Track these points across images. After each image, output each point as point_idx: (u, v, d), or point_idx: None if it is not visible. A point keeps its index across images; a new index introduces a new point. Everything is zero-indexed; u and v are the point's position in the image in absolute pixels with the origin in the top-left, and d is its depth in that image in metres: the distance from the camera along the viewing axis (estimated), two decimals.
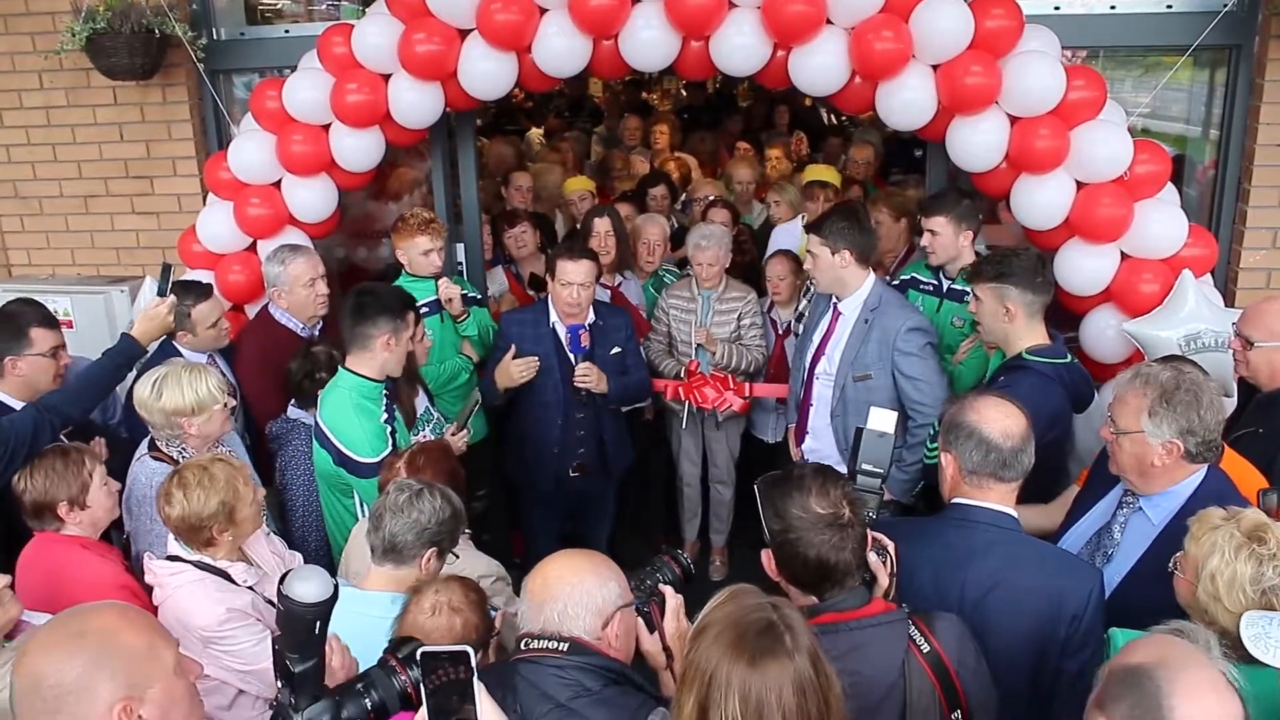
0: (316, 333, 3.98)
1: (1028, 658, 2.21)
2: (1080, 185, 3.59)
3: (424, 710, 1.56)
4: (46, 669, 1.52)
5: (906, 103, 3.58)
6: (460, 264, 4.64)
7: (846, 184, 6.01)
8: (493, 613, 2.38)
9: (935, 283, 4.07)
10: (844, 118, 8.74)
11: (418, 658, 1.58)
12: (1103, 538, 2.59)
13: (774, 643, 1.57)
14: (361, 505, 3.29)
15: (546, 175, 6.11)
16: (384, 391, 3.33)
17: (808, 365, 3.85)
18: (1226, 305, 3.73)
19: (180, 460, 3.03)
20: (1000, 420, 2.32)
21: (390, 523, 2.43)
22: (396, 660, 1.73)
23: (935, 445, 2.63)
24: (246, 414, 3.87)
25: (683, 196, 6.32)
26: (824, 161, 6.89)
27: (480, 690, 1.55)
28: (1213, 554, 2.00)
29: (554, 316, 4.00)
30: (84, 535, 2.91)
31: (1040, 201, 3.62)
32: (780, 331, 4.75)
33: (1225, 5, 3.75)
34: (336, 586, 1.73)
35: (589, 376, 3.96)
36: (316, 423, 3.34)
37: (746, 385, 4.52)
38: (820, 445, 3.82)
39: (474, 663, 1.54)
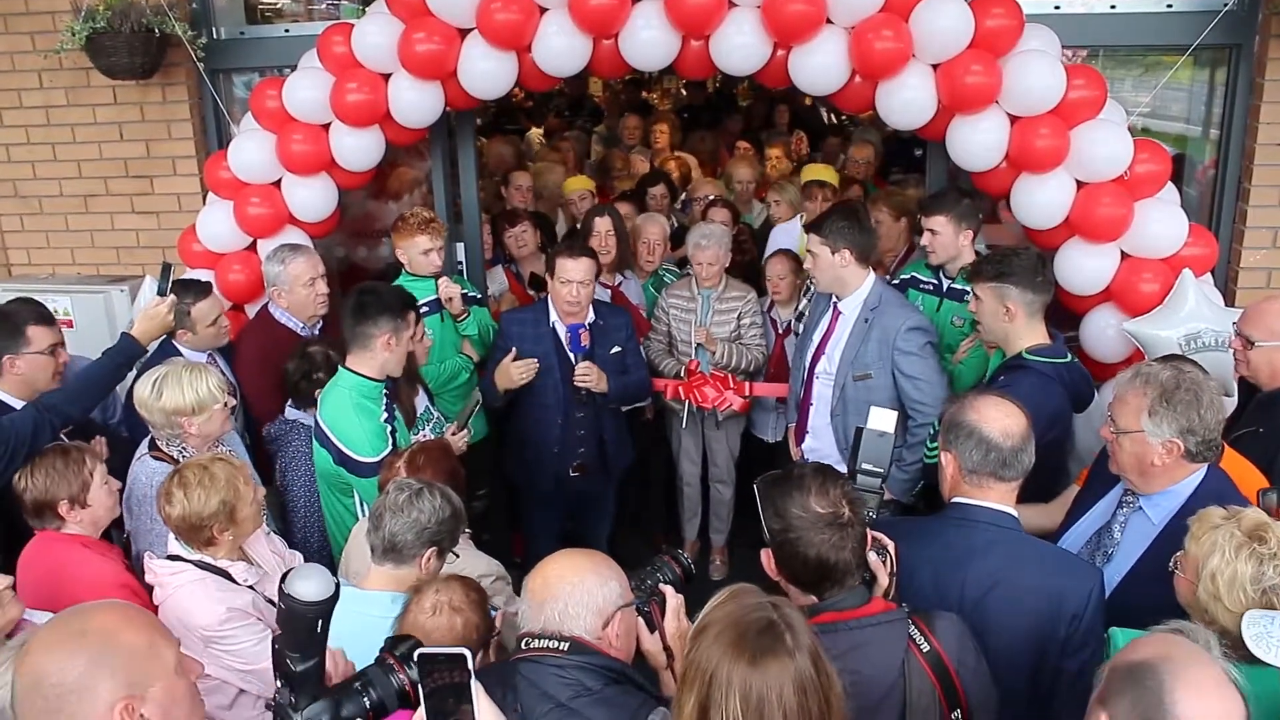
0: (316, 332, 3.98)
1: (1028, 657, 2.21)
2: (1080, 185, 3.59)
3: (422, 711, 1.56)
4: (48, 668, 1.52)
5: (906, 102, 3.58)
6: (460, 263, 4.64)
7: (847, 183, 6.01)
8: (493, 612, 2.38)
9: (935, 282, 4.07)
10: (844, 117, 8.74)
11: (415, 659, 1.58)
12: (1103, 537, 2.59)
13: (774, 642, 1.57)
14: (362, 505, 3.30)
15: (547, 175, 6.10)
16: (384, 391, 3.34)
17: (808, 365, 3.85)
18: (1227, 305, 3.73)
19: (180, 460, 3.03)
20: (1000, 420, 2.32)
21: (390, 522, 2.43)
22: (394, 658, 1.73)
23: (935, 445, 2.63)
24: (246, 413, 3.87)
25: (683, 196, 6.31)
26: (823, 161, 6.89)
27: (478, 691, 1.55)
28: (1213, 553, 2.00)
29: (554, 316, 4.00)
30: (85, 534, 2.91)
31: (1040, 201, 3.62)
32: (780, 331, 4.75)
33: (1225, 5, 3.75)
34: (338, 585, 1.73)
35: (589, 376, 3.96)
36: (317, 422, 3.34)
37: (746, 384, 4.52)
38: (820, 445, 3.83)
39: (471, 665, 1.54)
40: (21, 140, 4.69)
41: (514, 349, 3.97)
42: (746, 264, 5.38)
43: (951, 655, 1.97)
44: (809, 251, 3.71)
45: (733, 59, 3.64)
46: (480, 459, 4.07)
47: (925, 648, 1.96)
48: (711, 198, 5.67)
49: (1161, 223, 3.61)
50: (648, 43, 3.64)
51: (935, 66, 3.55)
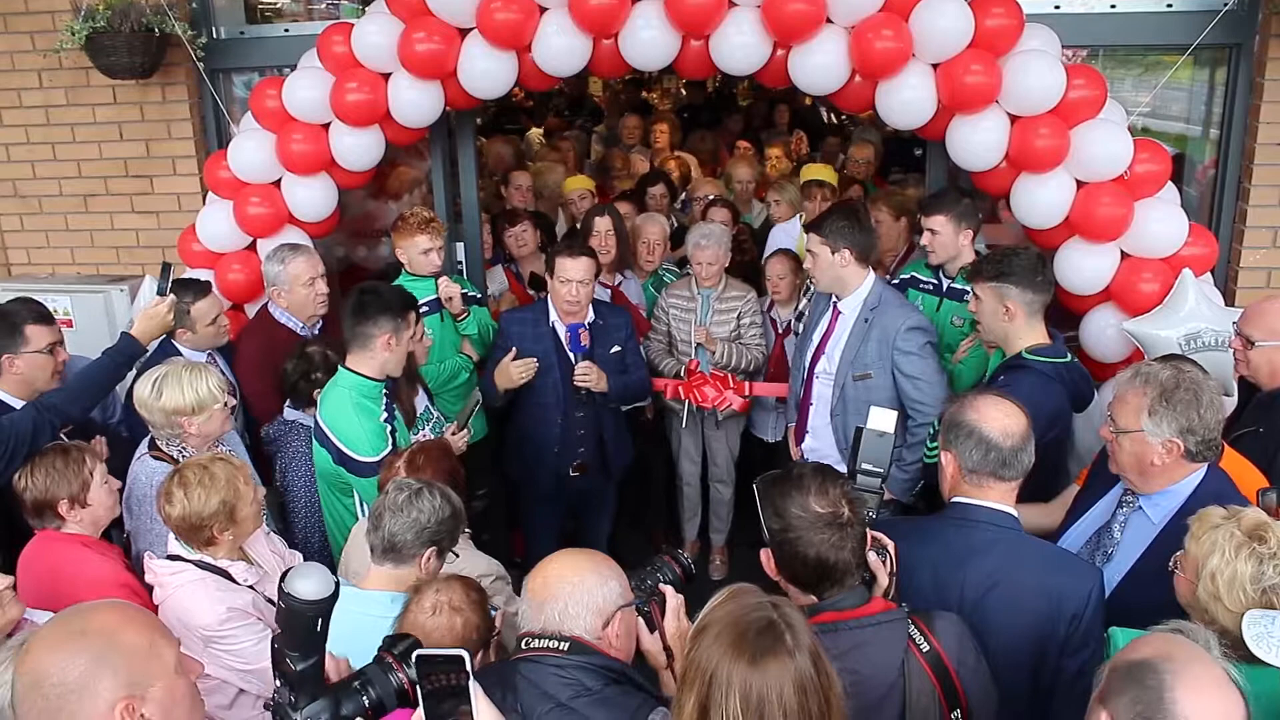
0: (316, 332, 3.98)
1: (1028, 657, 2.21)
2: (1080, 184, 3.59)
3: (420, 711, 1.56)
4: (48, 667, 1.52)
5: (906, 102, 3.58)
6: (460, 263, 4.64)
7: (847, 183, 6.01)
8: (492, 612, 2.38)
9: (935, 282, 4.07)
10: (844, 117, 8.75)
11: (412, 660, 1.58)
12: (1103, 537, 2.59)
13: (775, 642, 1.57)
14: (361, 504, 3.30)
15: (547, 174, 6.10)
16: (384, 391, 3.34)
17: (807, 364, 3.85)
18: (1226, 304, 3.73)
19: (180, 459, 3.03)
20: (1000, 419, 2.32)
21: (390, 522, 2.43)
22: (392, 657, 1.73)
23: (935, 444, 2.63)
24: (246, 413, 3.87)
25: (682, 196, 6.32)
26: (823, 160, 6.89)
27: (477, 692, 1.55)
28: (1213, 553, 2.00)
29: (554, 315, 4.00)
30: (85, 534, 2.91)
31: (1040, 200, 3.62)
32: (780, 330, 4.75)
33: (1225, 4, 3.75)
34: (337, 584, 1.73)
35: (589, 375, 3.96)
36: (316, 422, 3.34)
37: (746, 384, 4.52)
38: (820, 444, 3.82)
39: (469, 666, 1.53)
40: (21, 140, 4.69)
41: (514, 348, 3.97)
42: (746, 264, 5.38)
43: (951, 655, 1.97)
44: (809, 251, 3.71)
45: (733, 59, 3.64)
46: (480, 459, 4.07)
47: (925, 647, 1.96)
48: (711, 197, 5.67)
49: (1161, 222, 3.61)
50: (648, 42, 3.64)
51: (935, 66, 3.55)
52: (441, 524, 2.46)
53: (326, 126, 4.00)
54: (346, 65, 3.87)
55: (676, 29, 3.60)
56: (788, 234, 5.33)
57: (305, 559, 3.17)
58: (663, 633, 2.03)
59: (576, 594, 1.90)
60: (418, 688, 1.57)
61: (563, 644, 1.87)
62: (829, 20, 3.52)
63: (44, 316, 3.36)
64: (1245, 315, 3.11)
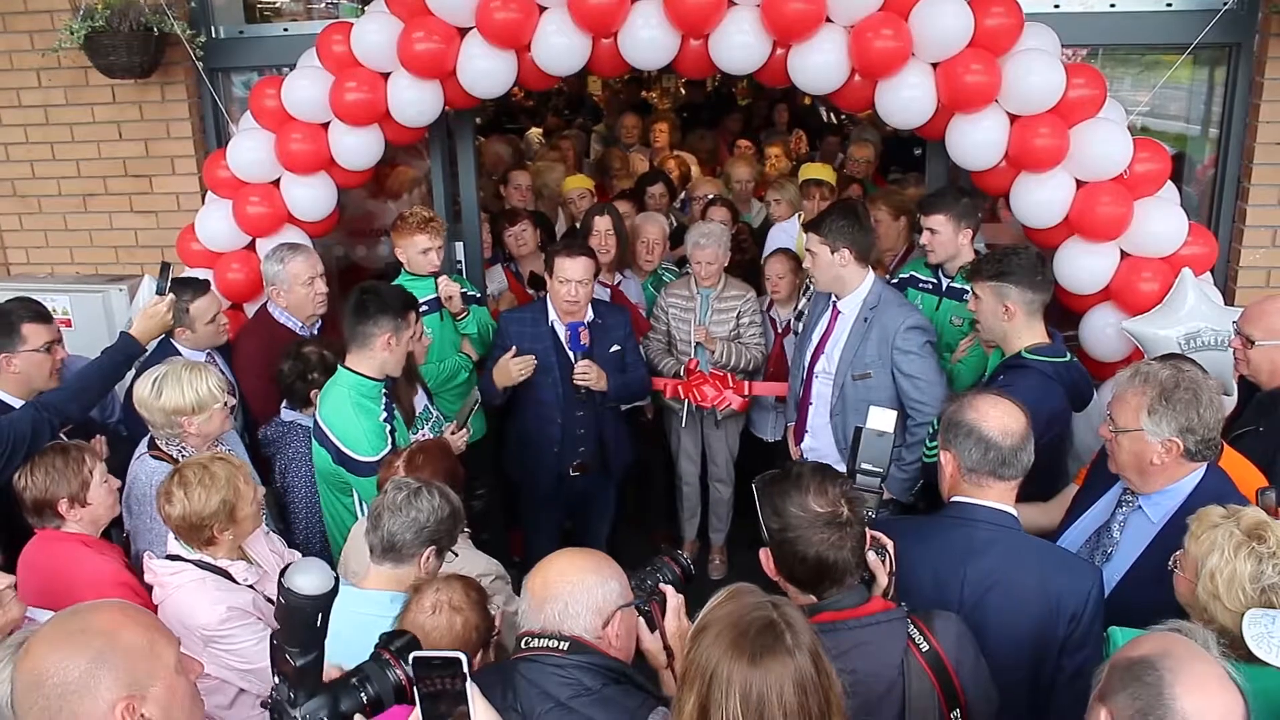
0: (315, 332, 3.98)
1: (1027, 656, 2.21)
2: (1080, 183, 3.59)
3: (418, 712, 1.55)
4: (48, 667, 1.52)
5: (906, 101, 3.58)
6: (459, 262, 4.64)
7: (846, 182, 6.01)
8: (492, 611, 2.38)
9: (934, 281, 4.07)
10: (843, 116, 8.74)
11: (410, 662, 1.58)
12: (1102, 536, 2.59)
13: (775, 641, 1.57)
14: (361, 504, 3.29)
15: (547, 174, 6.10)
16: (383, 390, 3.33)
17: (807, 364, 3.85)
18: (1226, 304, 3.73)
19: (180, 459, 3.03)
20: (999, 418, 2.32)
21: (389, 521, 2.43)
22: (390, 653, 1.72)
23: (934, 444, 2.63)
24: (245, 413, 3.87)
25: (682, 195, 6.31)
26: (821, 160, 6.89)
27: (474, 693, 1.55)
28: (1212, 552, 2.00)
29: (553, 315, 4.00)
30: (85, 533, 2.91)
31: (1040, 200, 3.62)
32: (779, 330, 4.75)
33: (1225, 3, 3.75)
34: (337, 579, 1.73)
35: (589, 374, 3.95)
36: (316, 421, 3.34)
37: (745, 384, 4.52)
38: (819, 444, 3.83)
39: (466, 668, 1.53)
40: (20, 139, 4.69)
41: (514, 347, 3.96)
42: (746, 263, 5.38)
43: (950, 655, 1.97)
44: (808, 250, 3.71)
45: (732, 58, 3.63)
46: (479, 458, 4.07)
47: (924, 647, 1.96)
48: (711, 197, 5.66)
49: (1161, 222, 3.61)
50: (647, 42, 3.64)
51: (935, 65, 3.55)
52: (440, 523, 2.46)
53: (326, 126, 4.00)
54: (346, 64, 3.87)
55: (676, 28, 3.60)
56: (787, 233, 5.33)
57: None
58: (663, 632, 2.03)
59: (576, 593, 1.90)
60: (415, 689, 1.57)
61: (562, 644, 1.87)
62: (828, 19, 3.52)
63: (41, 315, 3.35)
64: (1245, 314, 3.11)
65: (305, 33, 4.33)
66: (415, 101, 3.85)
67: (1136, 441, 2.43)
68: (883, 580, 2.12)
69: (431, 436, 3.42)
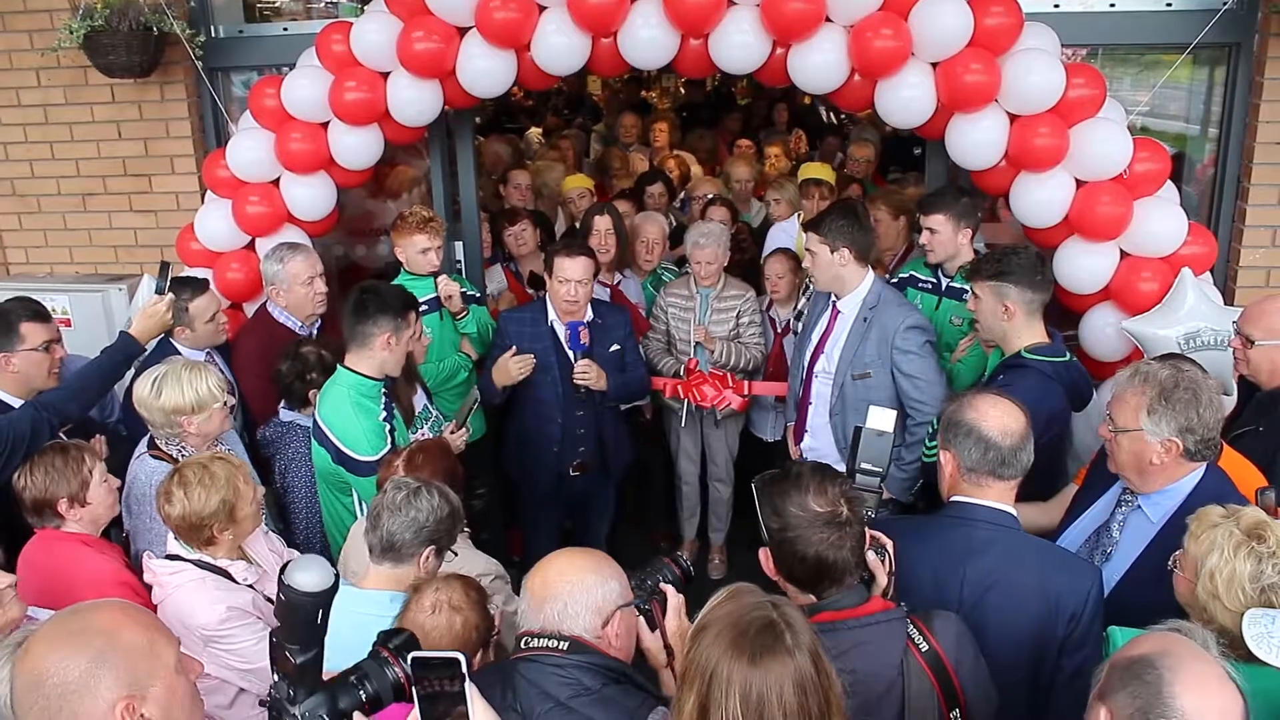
0: (315, 331, 3.98)
1: (1027, 656, 2.21)
2: (1080, 183, 3.59)
3: (416, 713, 1.55)
4: (48, 667, 1.52)
5: (906, 101, 3.58)
6: (459, 262, 4.64)
7: (845, 182, 6.01)
8: (491, 611, 2.38)
9: (934, 280, 4.07)
10: (843, 115, 8.74)
11: (408, 663, 1.58)
12: (1101, 536, 2.59)
13: (774, 641, 1.57)
14: (360, 504, 3.29)
15: (546, 173, 6.10)
16: (383, 390, 3.33)
17: (806, 363, 3.85)
18: (1226, 303, 3.73)
19: (179, 459, 3.03)
20: (999, 418, 2.32)
21: (388, 521, 2.42)
22: (388, 651, 1.72)
23: (934, 443, 2.63)
24: (244, 413, 3.87)
25: (681, 194, 6.31)
26: (821, 159, 6.89)
27: (473, 693, 1.55)
28: (1212, 552, 2.00)
29: (552, 314, 4.00)
30: (85, 532, 2.91)
31: (1039, 199, 3.62)
32: (779, 330, 4.75)
33: (1225, 3, 3.75)
34: (337, 576, 1.73)
35: (588, 374, 3.95)
36: (315, 421, 3.34)
37: (745, 383, 4.52)
38: (819, 444, 3.83)
39: (464, 669, 1.53)
40: (19, 139, 4.69)
41: (513, 347, 3.96)
42: (745, 263, 5.38)
43: (950, 655, 1.97)
44: (807, 250, 3.71)
45: (732, 57, 3.63)
46: (479, 457, 4.07)
47: (924, 647, 1.96)
48: (710, 196, 5.66)
49: (1161, 221, 3.61)
50: (647, 41, 3.63)
51: (934, 65, 3.55)
52: (440, 523, 2.46)
53: (325, 125, 4.00)
54: (345, 64, 3.87)
55: (676, 28, 3.60)
56: (786, 233, 5.33)
57: None
58: (664, 631, 2.03)
59: (576, 593, 1.90)
60: (414, 690, 1.57)
61: (562, 643, 1.87)
62: (828, 19, 3.52)
63: (39, 314, 3.35)
64: (1245, 314, 3.11)
65: (305, 32, 4.33)
66: (415, 101, 3.85)
67: (1136, 441, 2.43)
68: (882, 580, 2.12)
69: (431, 436, 3.42)
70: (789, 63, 3.63)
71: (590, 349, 3.98)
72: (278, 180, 4.12)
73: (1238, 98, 3.94)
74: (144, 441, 3.24)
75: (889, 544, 2.16)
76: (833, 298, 3.73)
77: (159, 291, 3.57)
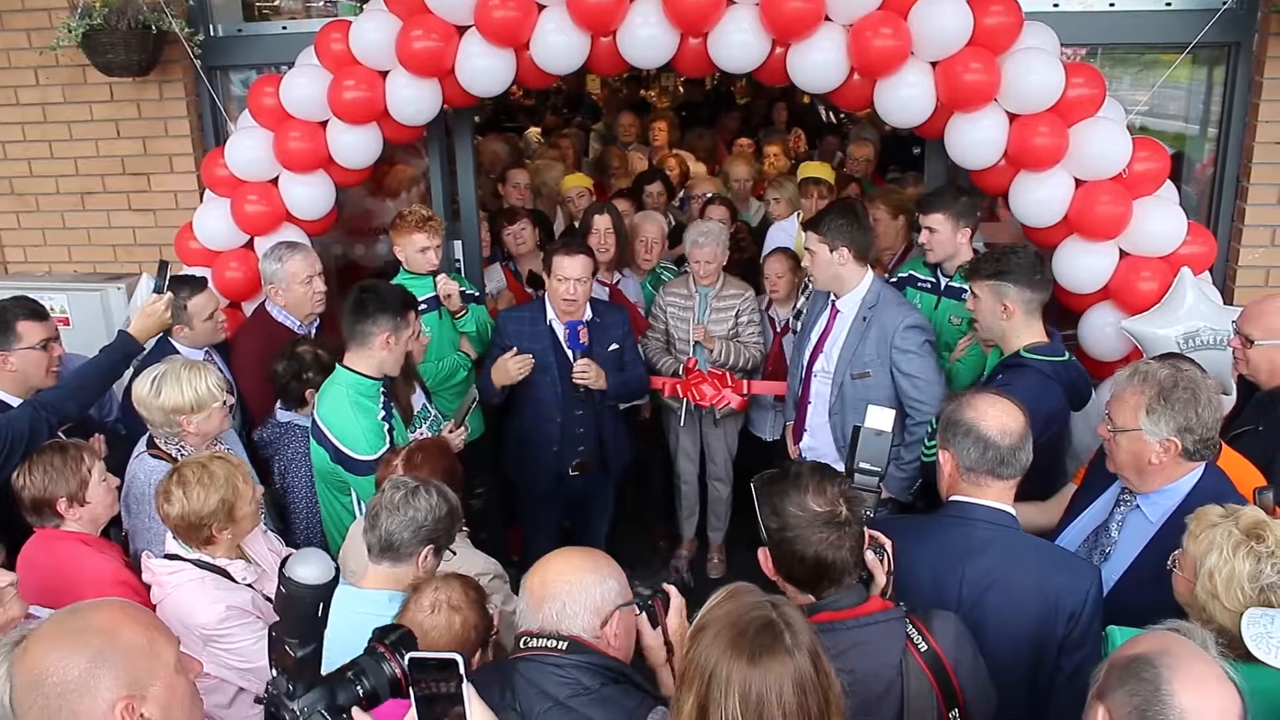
0: (313, 330, 3.97)
1: (1026, 656, 2.21)
2: (1079, 183, 3.59)
3: (413, 713, 1.55)
4: (48, 666, 1.52)
5: (905, 100, 3.58)
6: (458, 261, 4.64)
7: (845, 181, 6.01)
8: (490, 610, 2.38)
9: (933, 280, 4.07)
10: (842, 115, 8.74)
11: (405, 664, 1.58)
12: (1100, 536, 2.59)
13: (774, 641, 1.57)
14: (359, 503, 3.29)
15: (546, 172, 6.09)
16: (381, 389, 3.33)
17: (806, 363, 3.85)
18: (1225, 303, 3.73)
19: (179, 458, 3.03)
20: (998, 417, 2.32)
21: (387, 520, 2.42)
22: (385, 647, 1.72)
23: (933, 443, 2.63)
24: (243, 412, 3.86)
25: (680, 193, 6.31)
26: (820, 158, 6.88)
27: (471, 694, 1.55)
28: (1211, 551, 2.00)
29: (551, 314, 4.00)
30: (84, 531, 2.91)
31: (1039, 199, 3.62)
32: (778, 329, 4.75)
33: (1224, 3, 3.75)
34: (337, 570, 1.73)
35: (588, 373, 3.95)
36: (314, 420, 3.34)
37: (744, 383, 4.52)
38: (818, 443, 3.83)
39: (462, 669, 1.53)
40: (18, 138, 4.68)
41: (513, 346, 3.96)
42: (745, 262, 5.37)
43: (949, 654, 1.97)
44: (806, 249, 3.71)
45: (731, 57, 3.63)
46: (478, 456, 4.07)
47: (923, 647, 1.96)
48: (709, 195, 5.66)
49: (1160, 221, 3.61)
50: (646, 40, 3.63)
51: (934, 64, 3.55)
52: (438, 522, 2.45)
53: (324, 124, 3.99)
54: (344, 63, 3.86)
55: (675, 27, 3.60)
56: (786, 232, 5.33)
57: None
58: (665, 629, 2.02)
59: (575, 593, 1.90)
60: (411, 690, 1.57)
61: (561, 643, 1.87)
62: (828, 18, 3.52)
63: (37, 313, 3.35)
64: (1244, 314, 3.11)
65: (304, 31, 4.32)
66: (414, 100, 3.85)
67: (1135, 441, 2.43)
68: (881, 580, 2.12)
69: (430, 435, 3.42)
70: (788, 62, 3.63)
71: (589, 348, 3.97)
72: (276, 179, 4.11)
73: (1237, 97, 3.94)
74: (143, 440, 3.24)
75: (888, 543, 2.16)
76: (832, 297, 3.73)
77: (158, 290, 3.56)
